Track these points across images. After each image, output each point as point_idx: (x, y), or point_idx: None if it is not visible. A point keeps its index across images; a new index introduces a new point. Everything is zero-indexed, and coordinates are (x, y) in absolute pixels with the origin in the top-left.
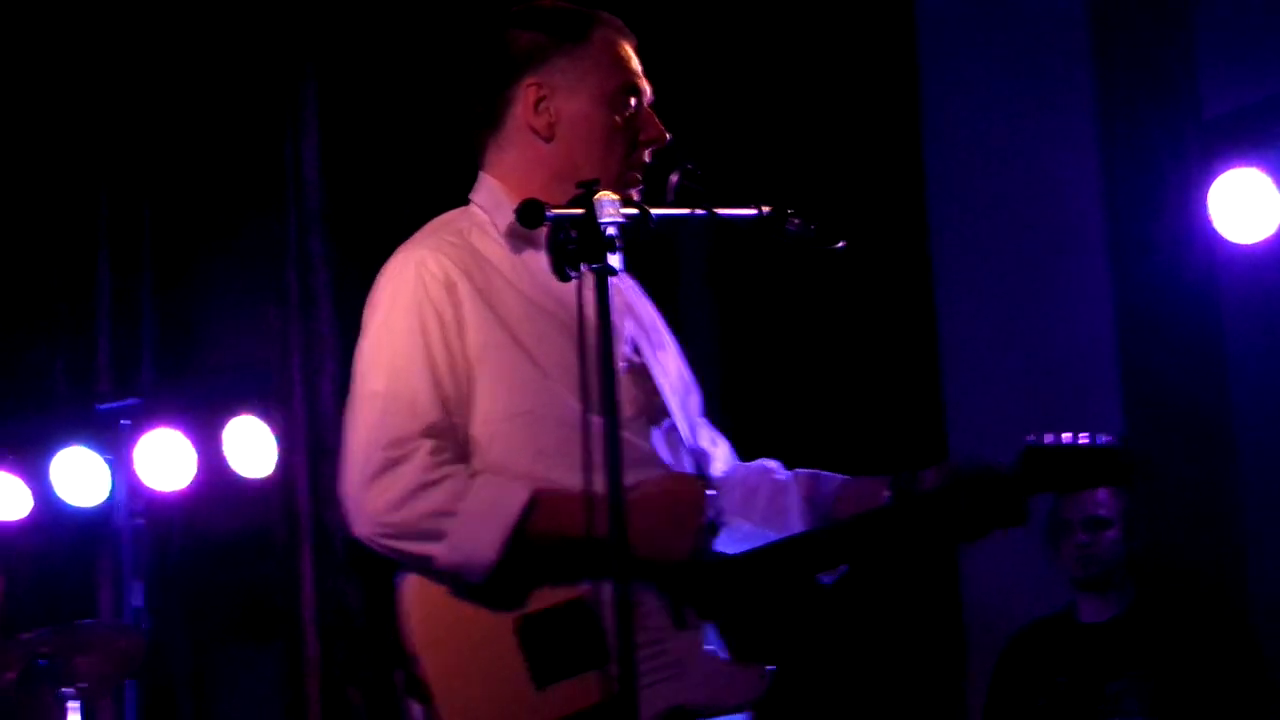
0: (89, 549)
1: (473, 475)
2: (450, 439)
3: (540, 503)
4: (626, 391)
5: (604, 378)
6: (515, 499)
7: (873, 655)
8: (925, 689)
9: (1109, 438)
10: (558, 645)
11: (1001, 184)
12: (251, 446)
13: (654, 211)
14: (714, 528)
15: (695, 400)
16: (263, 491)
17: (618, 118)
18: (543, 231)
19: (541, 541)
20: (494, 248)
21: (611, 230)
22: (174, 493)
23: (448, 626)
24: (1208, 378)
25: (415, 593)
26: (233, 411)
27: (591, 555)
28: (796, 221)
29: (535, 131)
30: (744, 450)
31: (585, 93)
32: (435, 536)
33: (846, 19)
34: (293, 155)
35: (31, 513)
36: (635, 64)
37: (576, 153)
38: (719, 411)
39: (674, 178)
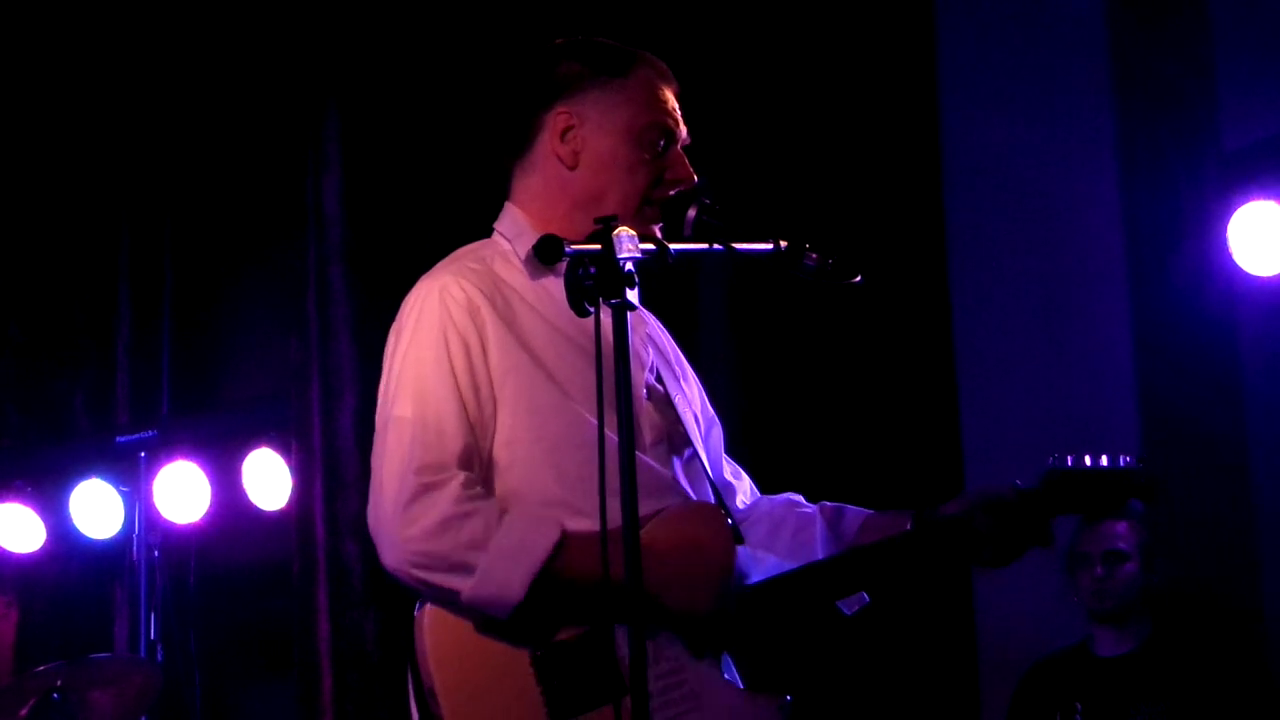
0: (105, 581)
1: (503, 511)
2: (480, 467)
3: (569, 544)
4: (649, 418)
5: (622, 409)
6: (545, 539)
7: (887, 687)
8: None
9: (1130, 459)
10: (575, 678)
11: (1021, 214)
12: (268, 479)
13: (672, 246)
14: (741, 584)
15: (718, 434)
16: (279, 524)
17: (645, 154)
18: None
19: (568, 583)
20: (516, 275)
21: (629, 266)
22: (190, 525)
23: (465, 661)
24: (1225, 407)
25: (433, 626)
26: (250, 444)
27: (617, 598)
28: (814, 256)
29: (560, 159)
30: (764, 481)
31: (614, 126)
32: (465, 570)
33: (865, 51)
34: (314, 188)
35: (47, 544)
36: (672, 105)
37: (598, 184)
38: (739, 443)
39: (691, 212)
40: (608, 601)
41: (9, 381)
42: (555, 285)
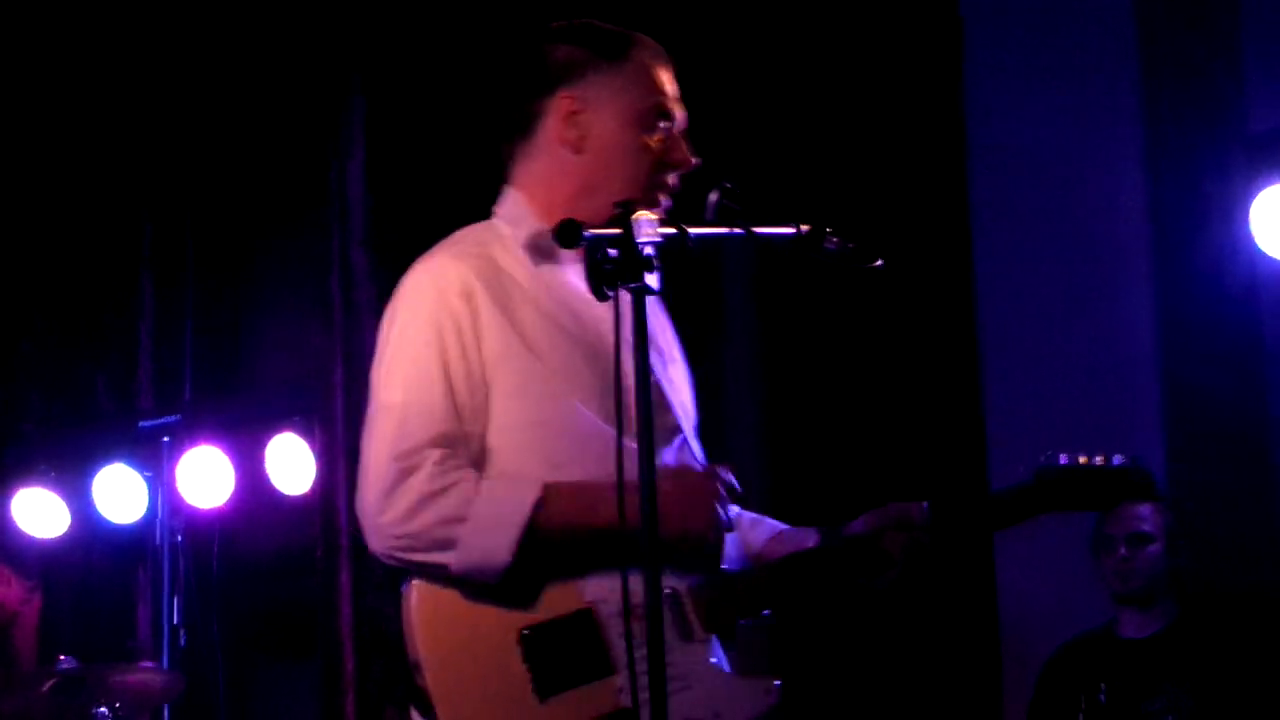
0: (128, 566)
1: (480, 480)
2: (462, 446)
3: (550, 498)
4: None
5: (640, 395)
6: (525, 498)
7: (909, 669)
8: (961, 705)
9: (1123, 458)
10: (561, 656)
11: (1045, 198)
12: (292, 464)
13: (692, 230)
14: (729, 517)
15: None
16: (303, 508)
17: (647, 138)
18: (557, 248)
19: (555, 536)
20: (513, 260)
21: (649, 250)
22: (214, 510)
23: (452, 637)
24: (1248, 392)
25: (420, 602)
26: (273, 429)
27: (606, 544)
28: (835, 240)
29: (565, 143)
30: (788, 465)
31: (617, 110)
32: (447, 545)
33: (891, 37)
34: (337, 172)
35: (71, 529)
36: (670, 88)
37: (602, 168)
38: (762, 428)
39: (713, 196)
40: (599, 550)
41: (32, 366)
42: (552, 273)
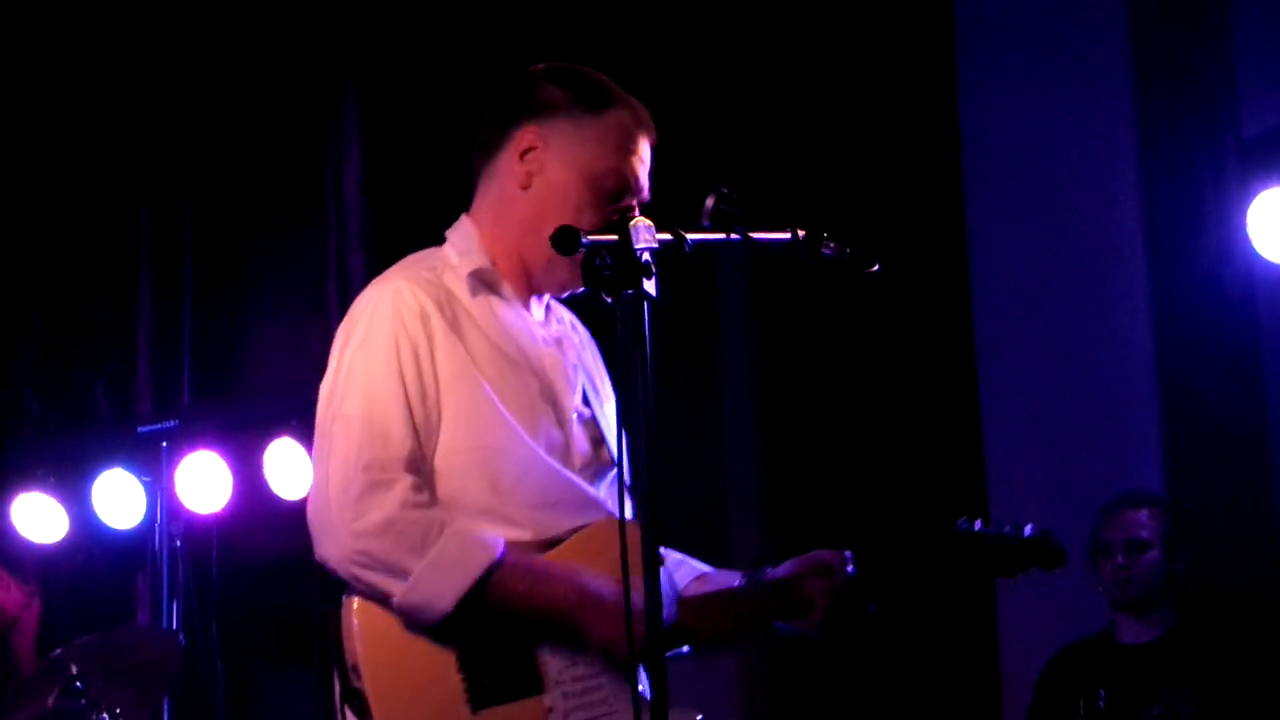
0: (127, 570)
1: (444, 524)
2: (424, 468)
3: (505, 567)
4: (578, 442)
5: (641, 400)
6: (482, 556)
7: (909, 675)
8: (960, 709)
9: (1032, 528)
10: (497, 670)
11: (1040, 202)
12: (290, 468)
13: (689, 236)
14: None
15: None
16: (300, 513)
17: (595, 200)
18: (504, 283)
19: (497, 603)
20: (463, 289)
21: (646, 256)
22: (212, 514)
23: (391, 643)
24: (1245, 392)
25: (363, 608)
26: (272, 434)
27: (544, 625)
28: (832, 245)
29: (514, 176)
30: (784, 471)
31: (574, 161)
32: (400, 574)
33: (885, 42)
34: (334, 176)
35: (70, 534)
36: (641, 157)
37: (542, 211)
38: (759, 433)
39: (709, 201)
40: (536, 626)
41: (31, 371)
42: (498, 304)
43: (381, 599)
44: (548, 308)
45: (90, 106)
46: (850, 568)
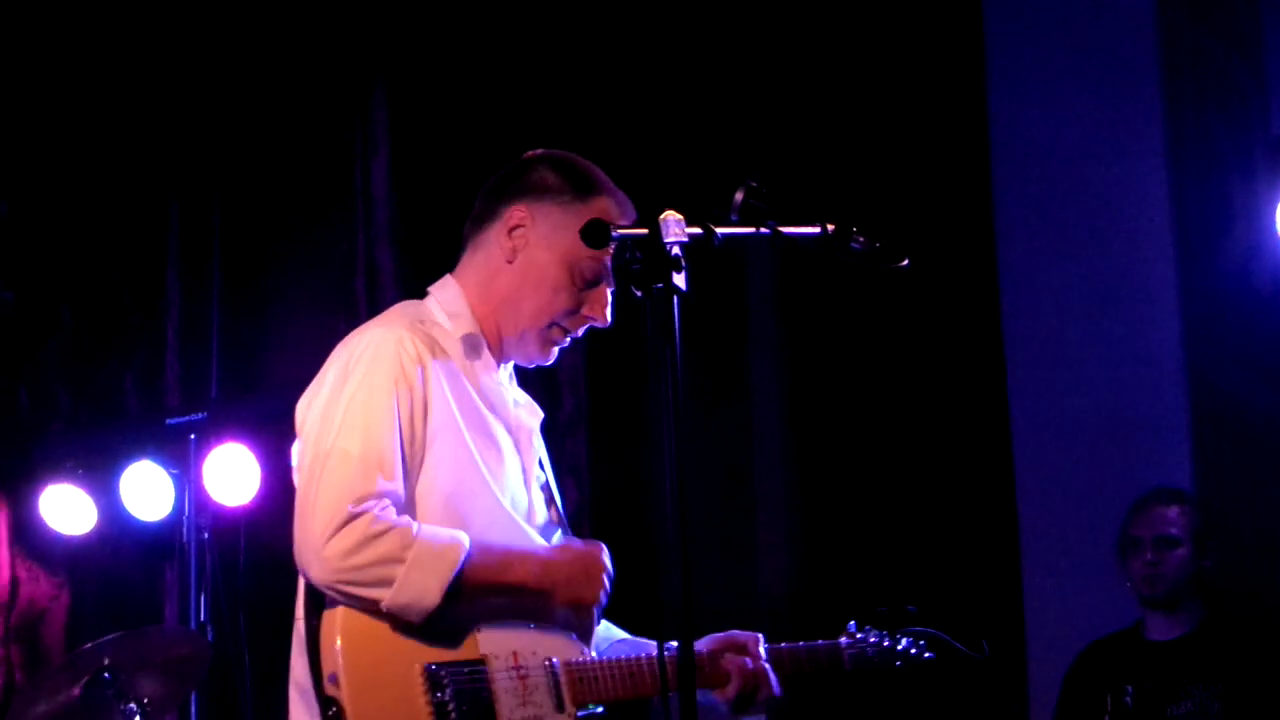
0: (155, 563)
1: (411, 526)
2: (401, 500)
3: (475, 550)
4: (536, 501)
5: (670, 395)
6: (457, 547)
7: (936, 670)
8: (987, 705)
9: (929, 655)
10: (457, 697)
11: (1069, 199)
12: None
13: (719, 230)
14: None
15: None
16: None
17: (572, 283)
18: (484, 346)
19: (473, 588)
20: (451, 346)
21: (676, 250)
22: (240, 507)
23: (369, 657)
24: (1275, 391)
25: (347, 619)
26: None
27: (514, 602)
28: (861, 239)
29: (501, 249)
30: (813, 468)
31: (556, 244)
32: (385, 583)
33: (913, 37)
34: (362, 171)
35: (98, 526)
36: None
37: (521, 287)
38: (786, 430)
39: (739, 195)
40: (508, 607)
41: (59, 364)
42: (482, 370)
43: (370, 609)
44: (511, 375)
45: (119, 101)
46: (763, 650)
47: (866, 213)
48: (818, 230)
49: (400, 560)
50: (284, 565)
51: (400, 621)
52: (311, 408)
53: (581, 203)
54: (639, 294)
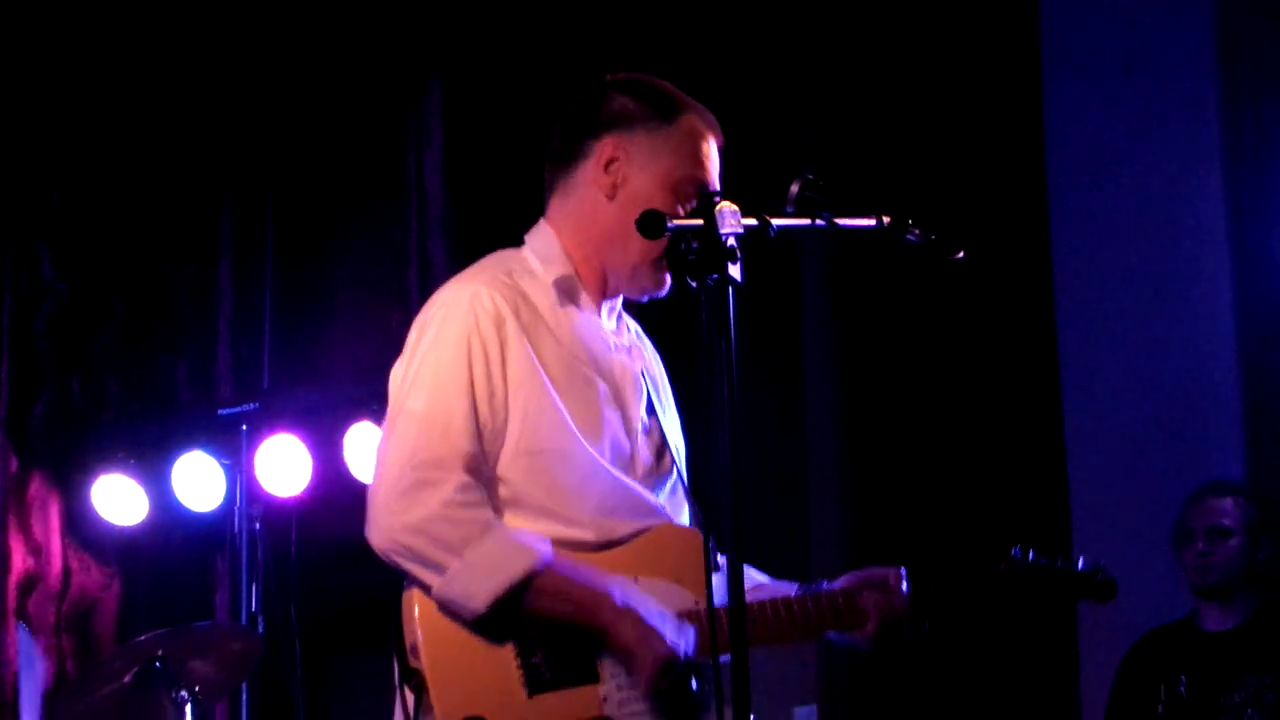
0: (207, 553)
1: (489, 525)
2: (483, 470)
3: (543, 577)
4: (642, 449)
5: (724, 387)
6: (519, 564)
7: (988, 660)
8: (1039, 694)
9: (1085, 562)
10: (555, 657)
11: (1124, 195)
12: (369, 452)
13: (774, 222)
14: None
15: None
16: None
17: (678, 203)
18: (580, 288)
19: (531, 612)
20: (540, 296)
21: (732, 241)
22: (291, 498)
23: (451, 623)
24: None
25: (420, 590)
26: (352, 417)
27: (571, 635)
28: (917, 231)
29: (599, 187)
30: (865, 459)
31: (654, 170)
32: (438, 569)
33: (971, 33)
34: (415, 162)
35: (149, 516)
36: (712, 162)
37: (628, 220)
38: (838, 421)
39: (794, 187)
40: (565, 631)
41: (112, 354)
42: (574, 314)
43: (424, 588)
44: (619, 316)
45: (172, 91)
46: (905, 585)
47: (922, 207)
48: (873, 223)
49: (460, 553)
50: (335, 556)
51: None
52: (394, 373)
53: (670, 125)
54: (694, 285)
